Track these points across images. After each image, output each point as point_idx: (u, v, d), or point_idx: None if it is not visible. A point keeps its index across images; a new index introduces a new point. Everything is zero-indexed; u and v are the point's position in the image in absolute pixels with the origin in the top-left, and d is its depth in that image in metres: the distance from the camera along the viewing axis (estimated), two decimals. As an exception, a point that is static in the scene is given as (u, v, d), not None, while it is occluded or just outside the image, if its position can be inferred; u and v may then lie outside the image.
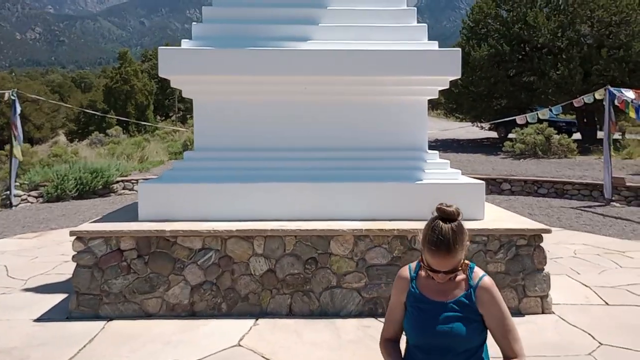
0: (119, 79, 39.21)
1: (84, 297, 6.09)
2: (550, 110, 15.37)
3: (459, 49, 7.20)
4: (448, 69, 7.00)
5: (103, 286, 6.09)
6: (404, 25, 7.58)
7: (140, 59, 55.83)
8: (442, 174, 7.03)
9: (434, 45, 7.33)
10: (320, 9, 7.63)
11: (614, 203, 13.52)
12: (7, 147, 16.43)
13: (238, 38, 7.25)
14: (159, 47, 7.09)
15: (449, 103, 33.48)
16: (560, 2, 27.46)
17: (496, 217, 6.80)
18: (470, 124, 33.51)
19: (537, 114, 15.15)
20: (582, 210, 12.93)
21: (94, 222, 6.55)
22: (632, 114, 13.26)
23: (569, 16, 26.13)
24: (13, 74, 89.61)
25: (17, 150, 14.10)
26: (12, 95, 14.09)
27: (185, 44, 7.25)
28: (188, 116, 43.19)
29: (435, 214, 2.52)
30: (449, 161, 7.36)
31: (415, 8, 7.89)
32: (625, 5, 24.76)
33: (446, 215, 2.47)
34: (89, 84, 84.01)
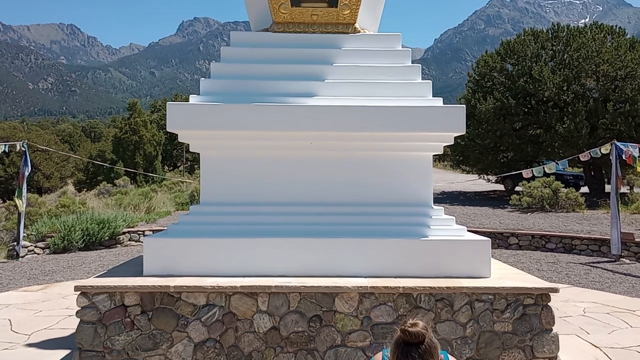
0: (128, 129, 39.73)
1: (87, 354, 6.01)
2: (557, 164, 15.41)
3: (463, 105, 7.27)
4: (452, 125, 7.06)
5: (106, 342, 6.02)
6: (409, 81, 7.68)
7: (149, 109, 56.64)
8: (448, 230, 6.99)
9: (439, 102, 7.41)
10: (325, 65, 7.76)
11: (624, 259, 13.38)
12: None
13: (245, 94, 7.36)
14: (168, 103, 7.20)
15: (455, 155, 33.59)
16: (565, 57, 27.80)
17: (502, 274, 6.73)
18: (477, 176, 33.54)
19: (543, 167, 15.16)
20: (591, 266, 12.79)
21: (99, 276, 6.52)
22: None
23: (574, 70, 26.42)
24: (25, 123, 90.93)
25: (18, 202, 14.19)
26: (22, 146, 14.27)
27: (193, 99, 7.36)
28: (195, 166, 43.50)
29: (400, 334, 2.37)
30: (454, 217, 7.34)
31: (420, 65, 8.01)
32: (630, 60, 25.05)
33: (412, 338, 2.33)
34: (98, 133, 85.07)
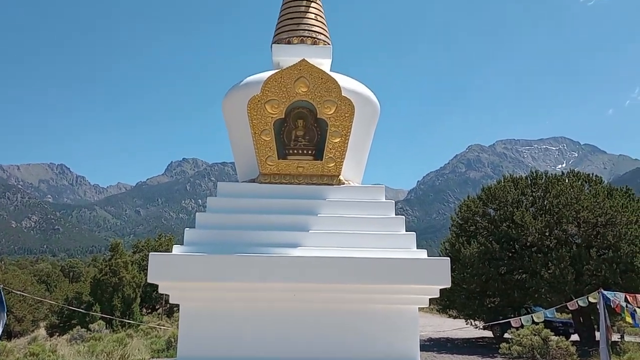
0: (108, 271, 38.98)
1: None
2: (545, 312, 15.17)
3: (447, 258, 7.20)
4: (437, 278, 6.98)
5: None
6: (393, 232, 7.67)
7: (132, 249, 56.08)
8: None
9: (423, 254, 7.36)
10: (311, 216, 7.76)
11: (623, 415, 12.73)
12: (-16, 344, 15.74)
13: (230, 244, 7.27)
14: (150, 253, 7.05)
15: (441, 300, 33.10)
16: (545, 203, 28.40)
17: None
18: (464, 321, 32.87)
19: (532, 316, 14.88)
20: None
21: None
22: (629, 319, 13.07)
23: (555, 216, 26.87)
24: (2, 262, 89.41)
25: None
26: (-3, 291, 13.80)
27: (176, 249, 7.25)
28: (175, 309, 42.31)
29: None
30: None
31: (403, 217, 8.01)
32: (609, 207, 25.60)
33: None
34: (77, 273, 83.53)
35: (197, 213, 7.90)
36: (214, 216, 7.70)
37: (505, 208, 29.04)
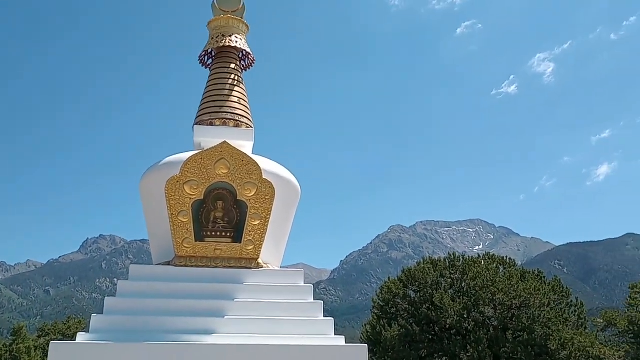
0: (8, 357, 36.14)
1: None
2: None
3: (365, 345, 7.14)
4: (356, 365, 6.86)
5: None
6: (311, 318, 7.58)
7: (37, 333, 52.47)
8: None
9: (341, 340, 7.28)
10: (227, 301, 7.58)
11: None
12: None
13: (141, 331, 6.95)
14: (51, 342, 6.61)
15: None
16: (463, 285, 28.89)
17: None
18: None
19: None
20: None
21: None
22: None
23: (472, 298, 27.32)
24: None
25: None
26: None
27: (80, 337, 6.83)
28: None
29: None
30: None
31: (322, 302, 7.93)
32: (523, 289, 26.33)
33: None
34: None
35: (106, 297, 7.53)
36: (125, 301, 7.37)
37: (425, 290, 29.29)
